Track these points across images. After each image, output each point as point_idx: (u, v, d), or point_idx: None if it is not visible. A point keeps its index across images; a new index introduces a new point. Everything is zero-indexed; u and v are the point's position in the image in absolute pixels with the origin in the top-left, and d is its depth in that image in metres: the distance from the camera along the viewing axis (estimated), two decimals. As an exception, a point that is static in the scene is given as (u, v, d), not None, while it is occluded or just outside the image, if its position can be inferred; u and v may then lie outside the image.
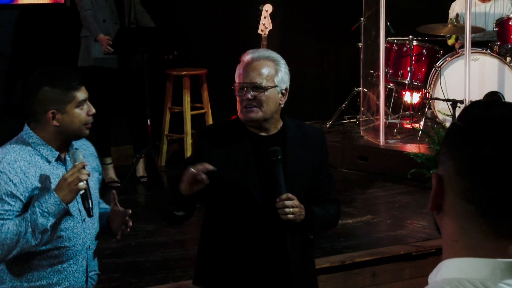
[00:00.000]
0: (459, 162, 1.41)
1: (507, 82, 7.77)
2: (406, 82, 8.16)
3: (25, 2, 7.75)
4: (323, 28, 9.17)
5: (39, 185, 3.25)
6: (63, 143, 3.34)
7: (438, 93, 7.83)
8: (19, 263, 3.31)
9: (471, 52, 7.61)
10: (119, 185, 7.15)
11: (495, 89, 7.55)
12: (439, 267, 1.42)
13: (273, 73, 3.46)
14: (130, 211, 3.45)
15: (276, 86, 3.47)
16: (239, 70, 3.49)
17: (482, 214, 1.39)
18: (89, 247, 3.43)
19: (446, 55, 8.05)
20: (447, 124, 7.63)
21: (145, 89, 7.06)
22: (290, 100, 3.57)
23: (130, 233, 3.58)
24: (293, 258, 3.48)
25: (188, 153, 7.62)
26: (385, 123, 8.02)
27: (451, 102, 7.39)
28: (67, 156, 3.36)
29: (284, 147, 3.49)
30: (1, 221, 3.20)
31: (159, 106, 7.74)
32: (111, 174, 7.29)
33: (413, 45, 8.09)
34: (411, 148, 7.61)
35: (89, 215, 3.28)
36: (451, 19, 8.10)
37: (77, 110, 3.30)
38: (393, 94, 8.44)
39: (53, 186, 3.27)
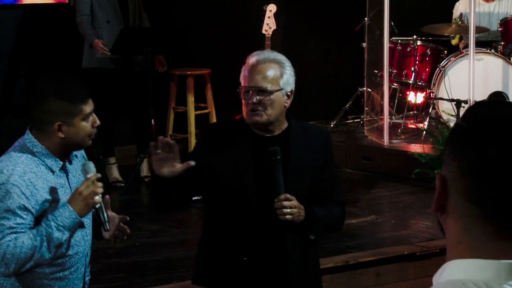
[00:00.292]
0: (463, 163, 1.40)
1: (511, 82, 7.76)
2: (410, 82, 8.15)
3: (29, 2, 7.75)
4: (327, 28, 9.16)
5: (48, 197, 3.23)
6: (64, 152, 3.32)
7: (442, 93, 7.82)
8: (22, 271, 3.27)
9: (475, 52, 7.60)
10: (123, 185, 7.16)
11: (499, 89, 7.53)
12: (443, 268, 1.42)
13: (278, 75, 3.46)
14: (128, 218, 3.44)
15: (282, 89, 3.47)
16: (244, 72, 3.48)
17: (486, 215, 1.38)
18: (87, 254, 3.43)
19: (450, 55, 8.04)
20: (451, 124, 7.61)
21: (149, 89, 7.06)
22: (294, 100, 3.57)
23: (134, 233, 3.58)
24: (293, 258, 3.48)
25: (192, 153, 7.62)
26: (389, 123, 8.01)
27: (455, 102, 7.38)
28: (67, 165, 3.35)
29: (287, 147, 3.49)
30: (15, 235, 3.17)
31: (163, 106, 7.74)
32: (115, 174, 7.29)
33: (417, 45, 8.08)
34: (415, 148, 7.60)
35: (106, 228, 3.28)
36: (455, 19, 8.09)
37: (83, 123, 3.28)
38: (397, 94, 8.43)
39: (59, 196, 3.25)
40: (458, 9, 8.17)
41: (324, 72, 9.36)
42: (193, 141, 7.70)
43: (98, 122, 3.33)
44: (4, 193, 3.17)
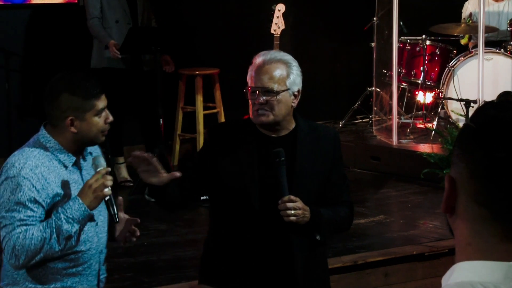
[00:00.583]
0: (472, 164, 1.40)
1: (520, 82, 7.74)
2: (419, 81, 8.13)
3: (38, 2, 7.76)
4: (335, 27, 9.15)
5: (59, 191, 3.26)
6: (78, 148, 3.36)
7: (451, 93, 7.81)
8: (34, 266, 3.31)
9: (485, 52, 7.58)
10: (131, 184, 7.17)
11: (508, 89, 7.51)
12: (452, 269, 1.41)
13: (284, 76, 3.46)
14: (139, 220, 3.46)
15: (288, 89, 3.46)
16: (251, 72, 3.48)
17: (495, 217, 1.37)
18: (101, 251, 3.44)
19: (460, 55, 8.02)
20: (460, 124, 7.60)
21: (157, 89, 7.07)
22: (302, 100, 3.56)
23: (142, 232, 3.59)
24: (298, 259, 3.47)
25: (201, 152, 7.62)
26: (398, 123, 8.00)
27: (464, 102, 7.36)
28: (81, 161, 3.37)
29: (294, 148, 3.49)
30: (25, 227, 3.20)
31: (172, 106, 7.74)
32: (124, 173, 7.30)
33: (426, 45, 8.07)
34: (424, 148, 7.59)
35: (115, 221, 3.29)
36: (464, 18, 8.07)
37: (95, 118, 3.32)
38: (406, 93, 8.42)
39: (71, 191, 3.28)
40: (467, 8, 8.15)
41: (332, 72, 9.35)
42: (201, 141, 7.70)
43: (111, 118, 3.36)
44: (15, 186, 3.21)
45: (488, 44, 7.77)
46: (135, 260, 5.37)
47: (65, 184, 3.28)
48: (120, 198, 3.44)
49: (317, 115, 8.44)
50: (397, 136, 7.87)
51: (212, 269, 3.56)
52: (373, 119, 8.54)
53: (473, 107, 7.33)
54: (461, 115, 7.42)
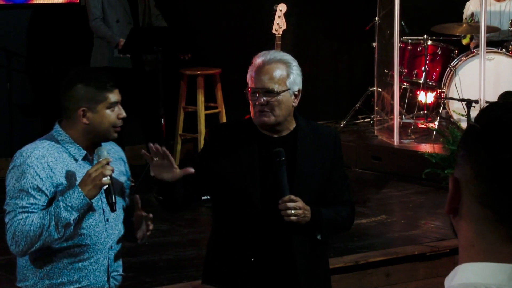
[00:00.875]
0: (476, 165, 1.39)
1: (522, 82, 7.73)
2: (421, 81, 8.13)
3: (39, 2, 7.77)
4: (337, 27, 9.15)
5: (64, 181, 3.31)
6: (91, 143, 3.39)
7: (452, 93, 7.80)
8: (41, 260, 3.36)
9: (486, 52, 7.58)
10: (133, 184, 7.15)
11: (510, 88, 7.47)
12: (456, 271, 1.40)
13: (285, 76, 3.45)
14: (151, 215, 3.48)
15: (289, 89, 3.46)
16: (251, 73, 3.48)
17: (499, 218, 1.37)
18: (111, 247, 3.45)
19: (461, 55, 8.02)
20: (462, 124, 7.60)
21: (159, 89, 7.07)
22: (304, 99, 3.56)
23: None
24: (300, 259, 3.47)
25: (202, 152, 7.62)
26: (400, 122, 7.99)
27: (466, 102, 7.36)
28: (94, 156, 3.40)
29: (295, 148, 3.49)
30: (26, 214, 3.26)
31: (173, 106, 7.74)
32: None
33: (428, 45, 8.07)
34: (426, 148, 7.58)
35: (112, 210, 3.33)
36: (466, 18, 8.07)
37: (107, 111, 3.37)
38: (408, 93, 8.41)
39: (77, 183, 3.31)
40: (469, 8, 8.15)
41: (334, 71, 9.35)
42: (202, 141, 7.70)
43: (124, 114, 3.42)
44: (20, 173, 3.28)
45: (490, 44, 7.77)
46: (137, 260, 5.37)
47: (71, 176, 3.32)
48: (137, 196, 3.48)
49: (319, 115, 8.44)
50: (398, 136, 7.87)
51: (214, 269, 3.56)
52: (374, 119, 8.53)
53: (474, 107, 7.32)
54: (462, 115, 7.41)
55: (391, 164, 7.68)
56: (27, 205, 3.26)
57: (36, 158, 3.29)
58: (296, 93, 3.50)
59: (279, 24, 6.42)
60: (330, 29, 9.14)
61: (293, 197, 3.37)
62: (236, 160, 3.46)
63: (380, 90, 8.43)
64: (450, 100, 7.81)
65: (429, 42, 8.08)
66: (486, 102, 7.47)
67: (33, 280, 3.38)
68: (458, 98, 7.63)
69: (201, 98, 7.71)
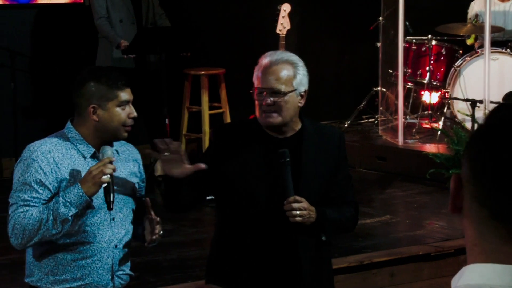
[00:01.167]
0: (475, 164, 1.39)
1: (527, 82, 7.72)
2: (425, 81, 8.13)
3: (44, 2, 7.77)
4: (341, 27, 9.15)
5: (69, 177, 3.33)
6: (101, 141, 3.41)
7: (457, 93, 7.79)
8: (46, 256, 3.39)
9: (491, 52, 7.57)
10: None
11: (514, 88, 7.50)
12: (462, 272, 1.40)
13: (291, 76, 3.45)
14: (159, 219, 3.48)
15: (295, 89, 3.46)
16: (257, 73, 3.47)
17: (497, 218, 1.37)
18: (116, 246, 3.45)
19: (465, 55, 8.01)
20: (466, 124, 7.60)
21: (163, 89, 7.07)
22: (308, 99, 3.56)
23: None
24: (305, 259, 3.47)
25: (206, 152, 7.62)
26: (404, 123, 7.99)
27: (470, 102, 7.35)
28: (99, 155, 3.40)
29: (300, 149, 3.48)
30: (27, 207, 3.29)
31: (177, 106, 7.74)
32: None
33: (432, 45, 8.06)
34: (430, 148, 7.58)
35: (109, 208, 3.32)
36: (470, 18, 8.06)
37: (117, 109, 3.39)
38: (412, 93, 8.40)
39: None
40: (473, 8, 8.14)
41: (338, 71, 9.34)
42: (207, 141, 7.70)
43: (134, 114, 3.43)
44: (26, 167, 3.31)
45: (494, 44, 7.76)
46: (141, 260, 5.36)
47: (77, 173, 3.34)
48: (147, 199, 3.49)
49: (323, 115, 8.44)
50: (403, 136, 7.86)
51: (219, 269, 3.56)
52: (379, 119, 8.53)
53: (479, 107, 7.32)
54: (467, 115, 7.40)
55: (396, 164, 7.67)
56: (29, 198, 3.29)
57: (42, 153, 3.31)
58: (302, 93, 3.49)
59: (283, 24, 6.42)
60: (334, 29, 9.14)
61: (298, 197, 3.36)
62: (242, 160, 3.45)
63: (384, 90, 8.43)
64: (455, 100, 7.80)
65: (434, 42, 8.07)
66: (491, 102, 7.47)
67: (38, 275, 3.40)
68: (463, 98, 7.62)
69: (205, 98, 7.71)
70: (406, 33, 8.12)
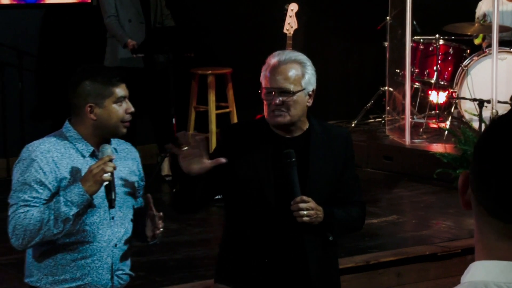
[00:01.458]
0: (476, 163, 1.42)
1: (534, 82, 7.71)
2: (432, 81, 8.11)
3: (51, 2, 7.78)
4: (348, 27, 9.14)
5: (69, 176, 3.32)
6: (100, 139, 3.40)
7: (464, 93, 7.78)
8: (45, 257, 3.38)
9: (498, 52, 7.55)
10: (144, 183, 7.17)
11: (522, 88, 7.49)
12: (469, 268, 1.44)
13: (300, 76, 3.45)
14: (161, 214, 3.46)
15: (304, 89, 3.46)
16: (265, 72, 3.47)
17: (492, 215, 1.40)
18: (116, 245, 3.44)
19: (473, 55, 7.99)
20: (474, 124, 7.58)
21: (170, 88, 7.08)
22: (315, 99, 3.56)
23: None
24: (312, 259, 3.47)
25: (213, 152, 7.62)
26: (411, 122, 7.98)
27: (477, 102, 7.34)
28: (99, 153, 3.40)
29: (308, 149, 3.48)
30: (27, 208, 3.28)
31: (184, 105, 7.75)
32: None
33: (440, 44, 8.05)
34: (437, 148, 7.57)
35: (111, 206, 3.33)
36: (478, 18, 8.04)
37: (115, 106, 3.38)
38: (419, 93, 8.39)
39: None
40: (481, 8, 8.12)
41: (345, 71, 9.34)
42: (214, 141, 7.71)
43: (132, 109, 3.43)
44: (25, 167, 3.30)
45: (502, 43, 7.74)
46: (147, 259, 5.37)
47: (76, 172, 3.33)
48: (149, 195, 3.47)
49: (330, 115, 8.43)
50: (410, 136, 7.85)
51: (227, 268, 3.56)
52: (386, 119, 8.52)
53: (486, 107, 7.30)
54: (474, 114, 7.39)
55: (403, 164, 7.66)
56: (29, 198, 3.28)
57: (41, 153, 3.31)
58: (310, 93, 3.49)
59: (290, 24, 6.42)
60: (342, 29, 9.13)
61: (305, 197, 3.36)
62: (250, 160, 3.45)
63: (391, 89, 8.42)
64: (462, 100, 7.78)
65: (441, 42, 8.06)
66: (498, 102, 7.45)
67: (37, 276, 3.39)
68: (470, 97, 7.61)
69: (212, 98, 7.71)
70: (414, 33, 8.11)
